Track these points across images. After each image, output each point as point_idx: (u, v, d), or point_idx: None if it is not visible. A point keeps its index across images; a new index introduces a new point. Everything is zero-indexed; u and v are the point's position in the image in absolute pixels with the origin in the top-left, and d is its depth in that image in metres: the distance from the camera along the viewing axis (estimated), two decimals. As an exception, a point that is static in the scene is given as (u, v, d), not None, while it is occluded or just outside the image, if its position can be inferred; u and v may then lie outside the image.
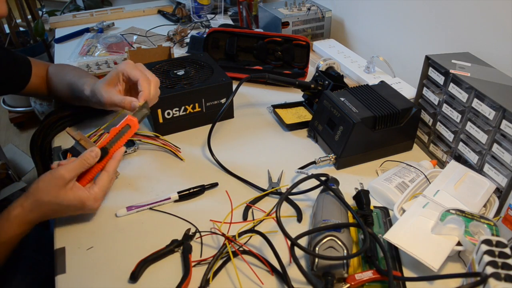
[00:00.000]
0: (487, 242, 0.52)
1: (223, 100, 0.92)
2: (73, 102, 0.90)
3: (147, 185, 0.77)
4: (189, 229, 0.67)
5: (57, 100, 0.94)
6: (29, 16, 2.31)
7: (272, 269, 0.61)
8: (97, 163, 0.66)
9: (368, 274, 0.57)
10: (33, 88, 0.91)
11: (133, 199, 0.73)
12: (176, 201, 0.74)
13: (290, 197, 0.74)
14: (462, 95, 0.75)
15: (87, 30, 1.46)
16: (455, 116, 0.77)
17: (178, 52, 1.29)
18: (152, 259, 0.62)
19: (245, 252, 0.64)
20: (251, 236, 0.66)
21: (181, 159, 0.84)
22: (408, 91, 0.97)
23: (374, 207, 0.71)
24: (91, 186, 0.65)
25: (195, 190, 0.75)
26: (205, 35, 1.19)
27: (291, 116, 0.96)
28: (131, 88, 0.79)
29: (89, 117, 0.95)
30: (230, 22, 1.48)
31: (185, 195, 0.74)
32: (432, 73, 0.82)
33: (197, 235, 0.66)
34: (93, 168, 0.66)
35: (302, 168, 0.80)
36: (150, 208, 0.72)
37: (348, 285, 0.56)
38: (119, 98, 0.74)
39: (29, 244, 0.85)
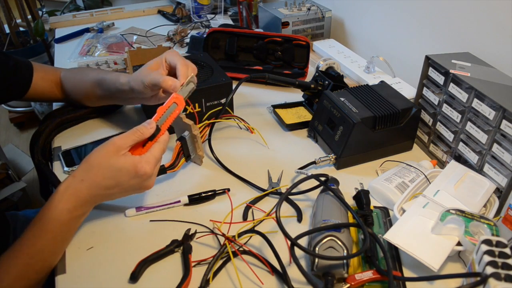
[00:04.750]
0: (487, 242, 0.52)
1: (223, 100, 0.92)
2: (96, 100, 0.89)
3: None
4: (189, 229, 0.67)
5: (73, 103, 0.94)
6: (29, 16, 2.32)
7: (272, 269, 0.61)
8: (150, 140, 0.65)
9: (368, 274, 0.57)
10: (39, 93, 0.90)
11: (132, 198, 0.73)
12: (186, 204, 0.73)
13: (290, 197, 0.74)
14: (462, 95, 0.75)
15: (87, 30, 1.46)
16: (455, 116, 0.77)
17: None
18: (152, 259, 0.62)
19: (245, 252, 0.64)
20: (251, 236, 0.66)
21: None
22: (408, 91, 0.97)
23: (374, 207, 0.71)
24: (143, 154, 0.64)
25: (206, 194, 0.74)
26: (205, 35, 1.19)
27: (291, 116, 0.96)
28: (173, 76, 0.76)
29: (91, 118, 0.95)
30: (230, 22, 1.48)
31: (196, 199, 0.73)
32: (432, 73, 0.82)
33: (197, 235, 0.66)
34: (146, 145, 0.65)
35: (302, 168, 0.80)
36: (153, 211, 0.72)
37: (348, 285, 0.56)
38: (160, 78, 0.72)
39: None
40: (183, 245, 0.64)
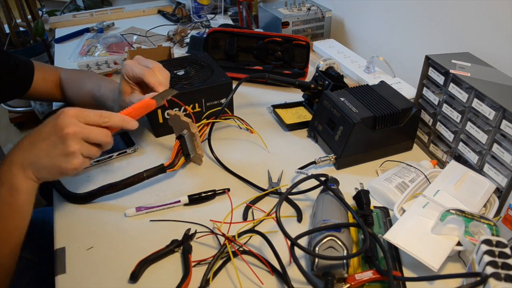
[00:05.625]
0: (487, 242, 0.52)
1: (223, 100, 0.92)
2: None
3: (145, 184, 0.77)
4: (189, 229, 0.67)
5: (72, 106, 0.94)
6: (29, 16, 2.32)
7: (272, 269, 0.61)
8: None
9: (368, 274, 0.57)
10: (39, 93, 0.91)
11: (132, 199, 0.74)
12: (186, 204, 0.73)
13: (290, 197, 0.74)
14: (462, 95, 0.75)
15: (87, 30, 1.46)
16: (455, 116, 0.77)
17: (178, 52, 1.29)
18: (152, 259, 0.62)
19: (245, 252, 0.64)
20: (251, 236, 0.66)
21: None
22: (408, 91, 0.97)
23: (374, 207, 0.71)
24: None
25: (206, 194, 0.74)
26: (205, 35, 1.19)
27: (291, 116, 0.96)
28: (144, 83, 0.76)
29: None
30: (230, 22, 1.48)
31: (196, 199, 0.73)
32: (432, 73, 0.82)
33: (197, 235, 0.66)
34: None
35: (302, 168, 0.80)
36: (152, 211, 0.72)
37: (348, 285, 0.56)
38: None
39: (27, 245, 0.85)
40: (183, 245, 0.64)
